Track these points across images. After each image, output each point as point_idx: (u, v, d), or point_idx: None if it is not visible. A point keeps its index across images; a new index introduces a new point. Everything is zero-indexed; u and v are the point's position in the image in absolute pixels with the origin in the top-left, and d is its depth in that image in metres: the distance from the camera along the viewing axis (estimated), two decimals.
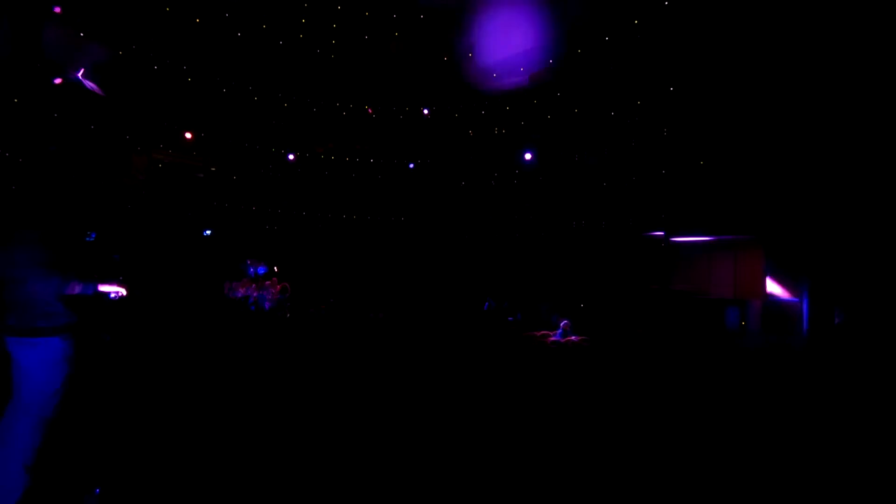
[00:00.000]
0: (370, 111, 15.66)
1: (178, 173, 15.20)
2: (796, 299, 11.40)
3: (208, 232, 15.21)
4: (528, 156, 14.87)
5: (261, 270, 12.47)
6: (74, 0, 11.78)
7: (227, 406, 4.87)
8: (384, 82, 15.41)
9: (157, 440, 3.78)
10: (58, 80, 11.99)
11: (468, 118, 15.69)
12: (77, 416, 3.10)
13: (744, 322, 12.07)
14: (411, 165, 16.42)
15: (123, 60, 13.19)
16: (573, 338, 9.54)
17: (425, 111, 15.75)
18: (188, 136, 14.53)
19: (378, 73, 15.24)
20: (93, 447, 3.44)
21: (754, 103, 11.50)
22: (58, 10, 11.52)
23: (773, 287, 11.92)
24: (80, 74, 11.79)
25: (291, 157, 16.09)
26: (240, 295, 11.83)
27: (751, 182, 11.69)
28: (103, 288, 2.73)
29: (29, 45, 11.52)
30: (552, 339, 9.65)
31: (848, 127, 10.45)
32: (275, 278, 12.29)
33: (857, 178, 10.47)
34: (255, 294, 11.82)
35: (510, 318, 12.99)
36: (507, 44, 13.08)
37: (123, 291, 2.79)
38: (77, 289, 2.57)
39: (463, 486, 3.35)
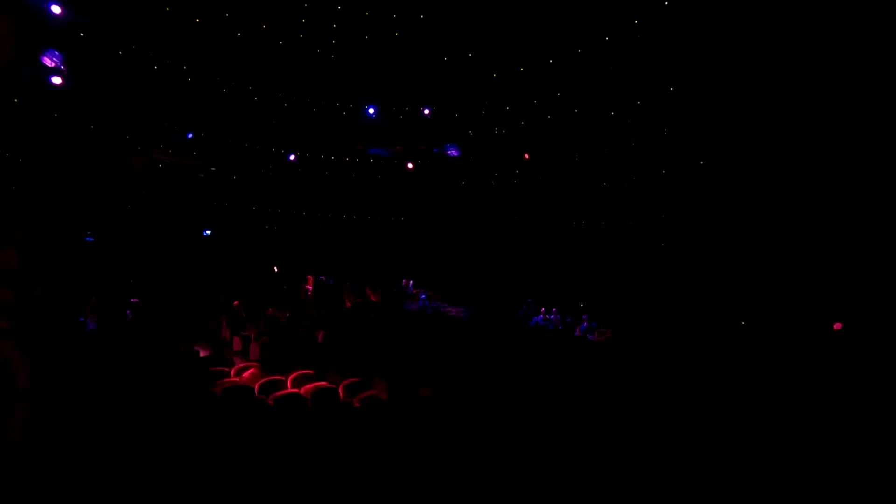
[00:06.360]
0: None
1: (178, 173, 15.18)
2: None
3: (208, 232, 15.18)
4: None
5: None
6: (74, 0, 11.78)
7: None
8: (384, 82, 15.40)
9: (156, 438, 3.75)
10: (57, 80, 11.97)
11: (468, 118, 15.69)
12: (71, 415, 3.08)
13: None
14: (409, 165, 16.42)
15: (123, 60, 13.18)
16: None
17: (426, 111, 15.73)
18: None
19: (378, 73, 15.22)
20: (89, 446, 3.42)
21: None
22: (58, 9, 11.53)
23: None
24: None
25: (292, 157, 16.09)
26: None
27: None
28: (101, 287, 2.71)
29: (29, 46, 11.52)
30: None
31: None
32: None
33: None
34: None
35: None
36: None
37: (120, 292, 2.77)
38: (75, 290, 2.56)
39: None
